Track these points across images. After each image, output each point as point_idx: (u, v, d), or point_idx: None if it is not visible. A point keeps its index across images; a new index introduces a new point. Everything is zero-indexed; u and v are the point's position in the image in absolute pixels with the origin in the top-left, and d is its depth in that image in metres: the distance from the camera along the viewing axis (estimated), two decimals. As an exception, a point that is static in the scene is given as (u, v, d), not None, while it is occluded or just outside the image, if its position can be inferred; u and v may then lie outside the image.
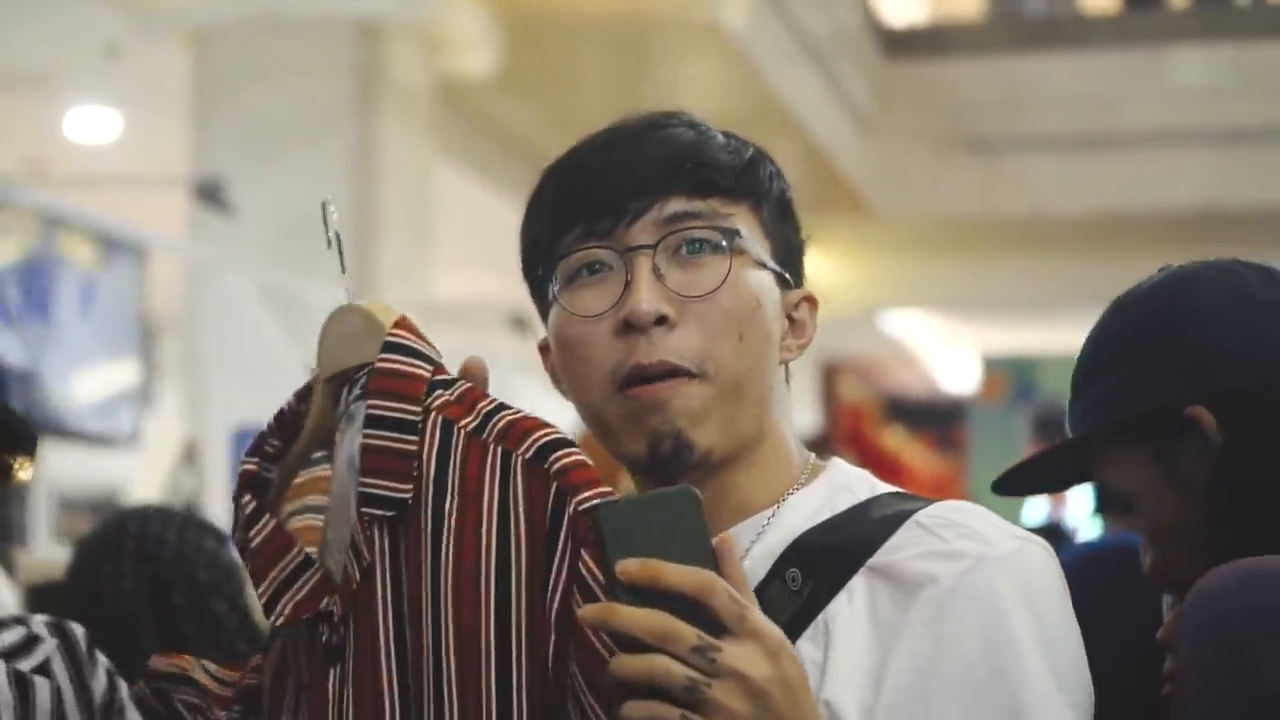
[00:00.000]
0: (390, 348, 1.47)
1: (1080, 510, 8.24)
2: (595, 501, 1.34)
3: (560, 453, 1.39)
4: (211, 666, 1.67)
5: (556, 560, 1.36)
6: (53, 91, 10.61)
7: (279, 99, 8.47)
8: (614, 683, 1.27)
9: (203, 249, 7.80)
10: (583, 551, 1.35)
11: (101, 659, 1.87)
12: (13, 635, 1.80)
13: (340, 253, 1.58)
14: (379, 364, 1.46)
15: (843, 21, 13.43)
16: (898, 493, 1.55)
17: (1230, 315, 1.71)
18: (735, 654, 1.25)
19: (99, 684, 1.83)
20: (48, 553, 5.20)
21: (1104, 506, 1.85)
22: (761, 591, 1.45)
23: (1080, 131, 14.10)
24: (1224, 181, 14.17)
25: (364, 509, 1.42)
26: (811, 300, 1.61)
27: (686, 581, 1.25)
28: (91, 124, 11.16)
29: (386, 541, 1.42)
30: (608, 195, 1.52)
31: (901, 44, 14.56)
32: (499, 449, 1.41)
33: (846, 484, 1.56)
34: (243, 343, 6.27)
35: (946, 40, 14.67)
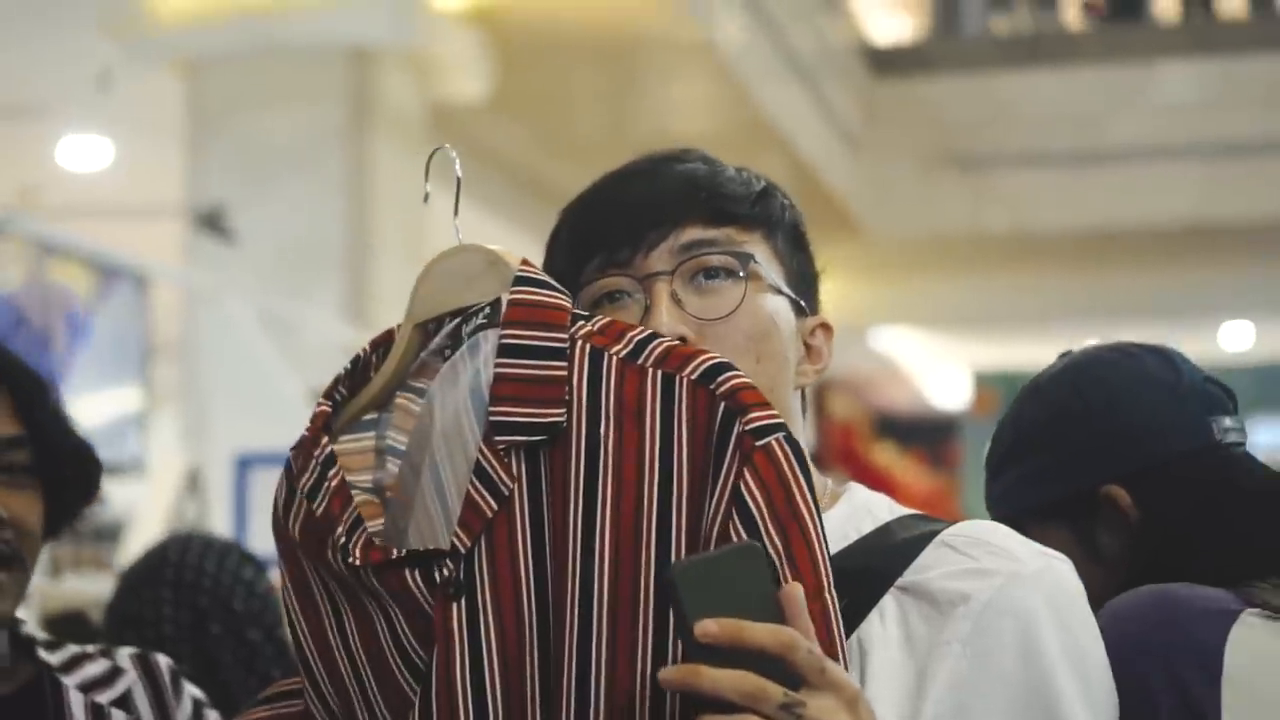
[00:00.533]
0: (523, 281, 1.47)
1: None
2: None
3: (729, 374, 1.40)
4: None
5: (721, 481, 1.37)
6: (46, 121, 10.62)
7: (272, 126, 8.49)
8: None
9: (201, 276, 7.83)
10: (745, 472, 1.36)
11: (189, 689, 1.90)
12: (96, 668, 1.83)
13: (457, 195, 1.57)
14: (515, 294, 1.46)
15: (830, 40, 13.48)
16: (918, 515, 1.58)
17: (1134, 399, 1.88)
18: (818, 706, 1.27)
19: (183, 714, 1.86)
20: (55, 582, 5.23)
21: None
22: None
23: (1068, 148, 14.14)
24: (1211, 196, 14.20)
25: (500, 437, 1.41)
26: (826, 327, 1.65)
27: (768, 640, 1.26)
28: (85, 153, 11.18)
29: (525, 469, 1.41)
30: (626, 225, 1.57)
31: (889, 62, 14.61)
32: (659, 373, 1.41)
33: (867, 507, 1.59)
34: (243, 369, 6.28)
35: (933, 58, 14.72)
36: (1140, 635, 1.61)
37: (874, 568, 1.50)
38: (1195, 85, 13.85)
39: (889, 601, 1.49)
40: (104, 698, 1.80)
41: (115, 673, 1.85)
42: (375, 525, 1.48)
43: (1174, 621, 1.63)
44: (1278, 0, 14.81)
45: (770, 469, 1.37)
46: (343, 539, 1.45)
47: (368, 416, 1.53)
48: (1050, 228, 14.51)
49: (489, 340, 1.45)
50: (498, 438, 1.41)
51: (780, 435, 1.38)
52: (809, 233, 1.68)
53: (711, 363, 1.41)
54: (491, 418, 1.41)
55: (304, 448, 1.51)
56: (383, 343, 1.54)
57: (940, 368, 20.21)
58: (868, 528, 1.55)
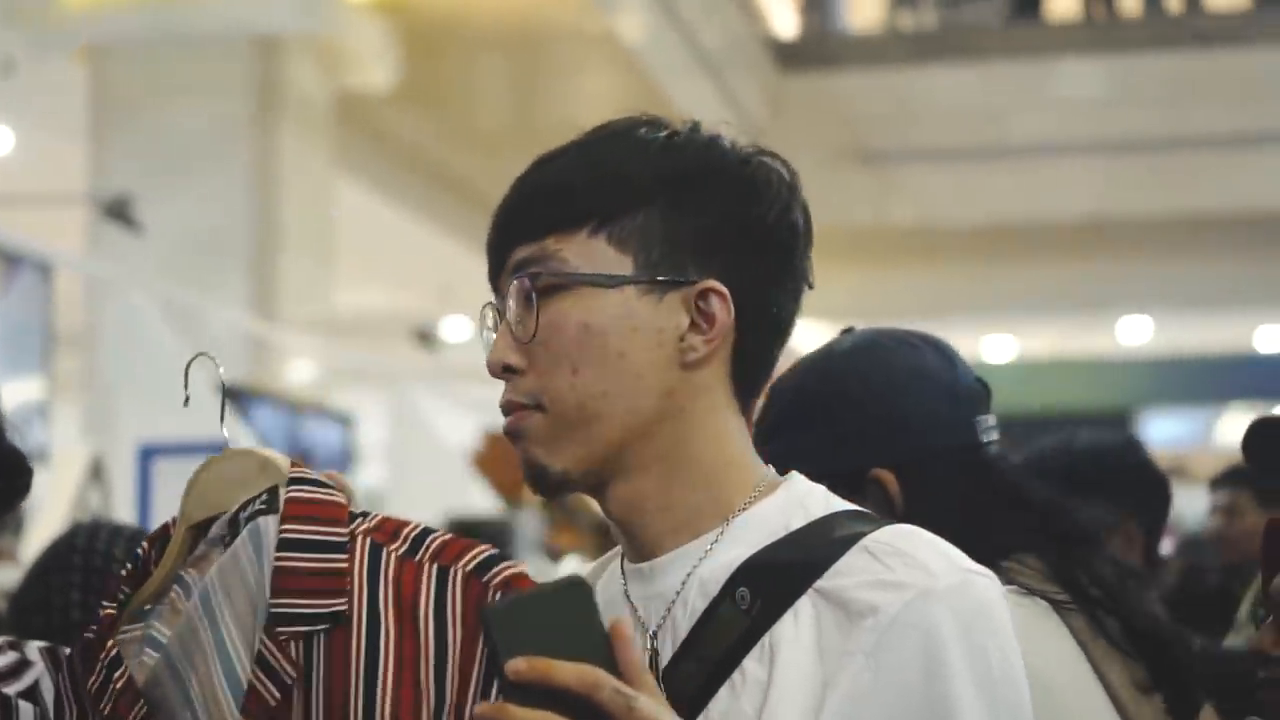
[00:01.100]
0: (299, 481, 1.52)
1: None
2: (492, 605, 1.39)
3: (503, 565, 1.46)
4: None
5: (487, 659, 1.42)
6: (-53, 108, 10.53)
7: (178, 115, 8.45)
8: None
9: (105, 265, 7.78)
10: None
11: None
12: (4, 660, 1.83)
13: (224, 405, 1.63)
14: (293, 493, 1.51)
15: (736, 33, 13.54)
16: (853, 512, 1.56)
17: (913, 390, 2.00)
18: None
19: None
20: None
21: None
22: (713, 610, 1.50)
23: (970, 143, 14.28)
24: (1111, 192, 14.39)
25: (282, 628, 1.46)
26: (718, 291, 1.53)
27: (571, 679, 1.30)
28: (-15, 140, 11.08)
29: (301, 657, 1.46)
30: (491, 247, 1.59)
31: (794, 56, 14.67)
32: (434, 566, 1.47)
33: (802, 501, 1.56)
34: (147, 359, 6.24)
35: (838, 52, 14.80)
36: None
37: (794, 567, 1.50)
38: (1096, 82, 14.00)
39: (805, 604, 1.48)
40: (11, 689, 1.80)
41: (23, 665, 1.85)
42: None
43: None
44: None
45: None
46: None
47: (146, 607, 1.58)
48: (953, 222, 14.65)
49: (269, 531, 1.50)
50: (279, 629, 1.46)
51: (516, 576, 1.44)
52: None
53: (486, 555, 1.47)
54: (273, 609, 1.46)
55: (90, 650, 1.58)
56: (159, 538, 1.58)
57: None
58: (797, 523, 1.53)
